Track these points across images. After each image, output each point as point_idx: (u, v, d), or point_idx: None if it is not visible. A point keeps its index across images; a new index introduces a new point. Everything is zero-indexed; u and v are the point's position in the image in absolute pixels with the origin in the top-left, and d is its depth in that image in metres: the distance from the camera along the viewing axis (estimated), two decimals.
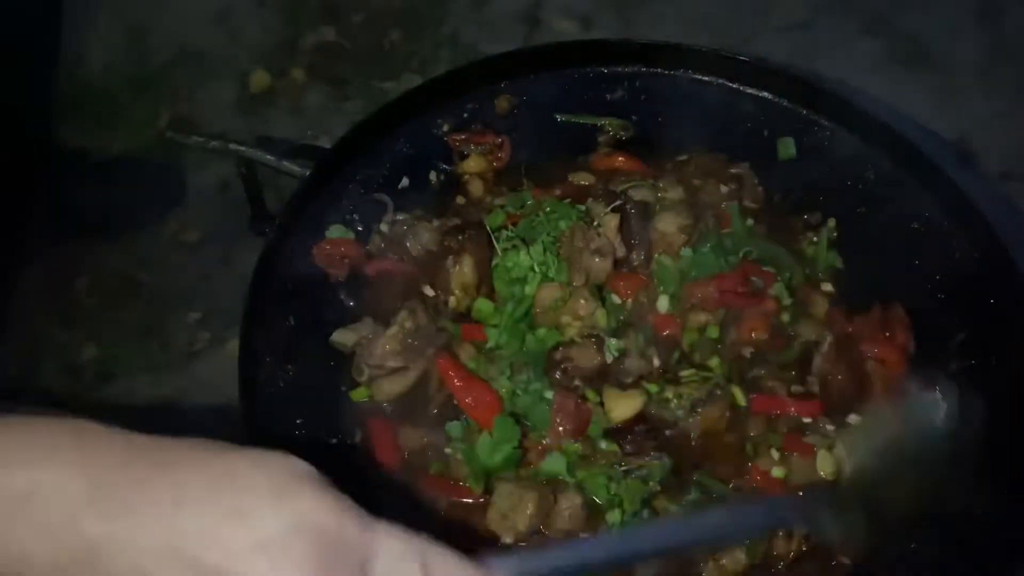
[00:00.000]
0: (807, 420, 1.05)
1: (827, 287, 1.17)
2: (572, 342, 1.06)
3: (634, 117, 1.27)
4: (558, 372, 1.05)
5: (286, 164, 1.09)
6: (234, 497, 0.54)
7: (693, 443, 1.03)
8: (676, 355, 1.08)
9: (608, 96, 1.27)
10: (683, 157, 1.25)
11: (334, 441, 1.05)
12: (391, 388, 1.08)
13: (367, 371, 1.08)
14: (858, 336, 1.09)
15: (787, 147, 1.22)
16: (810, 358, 1.07)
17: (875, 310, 1.11)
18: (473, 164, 1.24)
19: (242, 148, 1.12)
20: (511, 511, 0.97)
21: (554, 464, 1.00)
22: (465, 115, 1.24)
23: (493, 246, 1.14)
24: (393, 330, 1.08)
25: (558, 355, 1.06)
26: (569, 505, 0.98)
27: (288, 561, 0.53)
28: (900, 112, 1.48)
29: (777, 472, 1.02)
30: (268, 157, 1.10)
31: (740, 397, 1.06)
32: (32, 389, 1.45)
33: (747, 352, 1.09)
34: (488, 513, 0.98)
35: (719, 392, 1.04)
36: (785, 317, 1.11)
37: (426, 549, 0.58)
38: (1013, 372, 0.99)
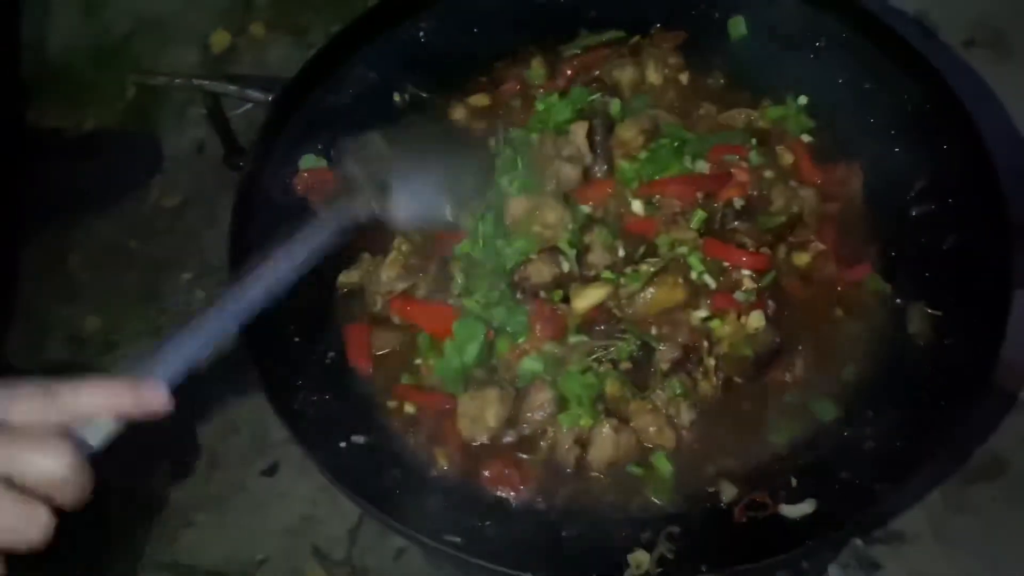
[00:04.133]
0: (746, 275, 1.05)
1: (806, 138, 1.17)
2: (528, 260, 1.06)
3: (593, 13, 1.27)
4: (519, 292, 1.05)
5: (250, 92, 1.11)
6: None
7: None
8: (642, 249, 1.08)
9: None
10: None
11: (329, 360, 1.09)
12: None
13: (380, 300, 1.11)
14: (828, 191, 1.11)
15: (737, 25, 1.23)
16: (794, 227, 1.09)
17: (839, 166, 1.14)
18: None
19: (205, 82, 1.14)
20: (479, 413, 0.99)
21: (533, 364, 1.03)
22: (421, 34, 1.25)
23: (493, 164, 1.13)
24: (392, 256, 1.11)
25: (516, 276, 1.06)
26: (540, 398, 1.01)
27: None
28: None
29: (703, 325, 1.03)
30: (231, 87, 1.12)
31: (696, 263, 1.05)
32: (40, 363, 1.49)
33: (737, 204, 1.08)
34: (458, 423, 1.01)
35: (680, 261, 1.04)
36: (763, 185, 1.11)
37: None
38: (970, 213, 1.03)
